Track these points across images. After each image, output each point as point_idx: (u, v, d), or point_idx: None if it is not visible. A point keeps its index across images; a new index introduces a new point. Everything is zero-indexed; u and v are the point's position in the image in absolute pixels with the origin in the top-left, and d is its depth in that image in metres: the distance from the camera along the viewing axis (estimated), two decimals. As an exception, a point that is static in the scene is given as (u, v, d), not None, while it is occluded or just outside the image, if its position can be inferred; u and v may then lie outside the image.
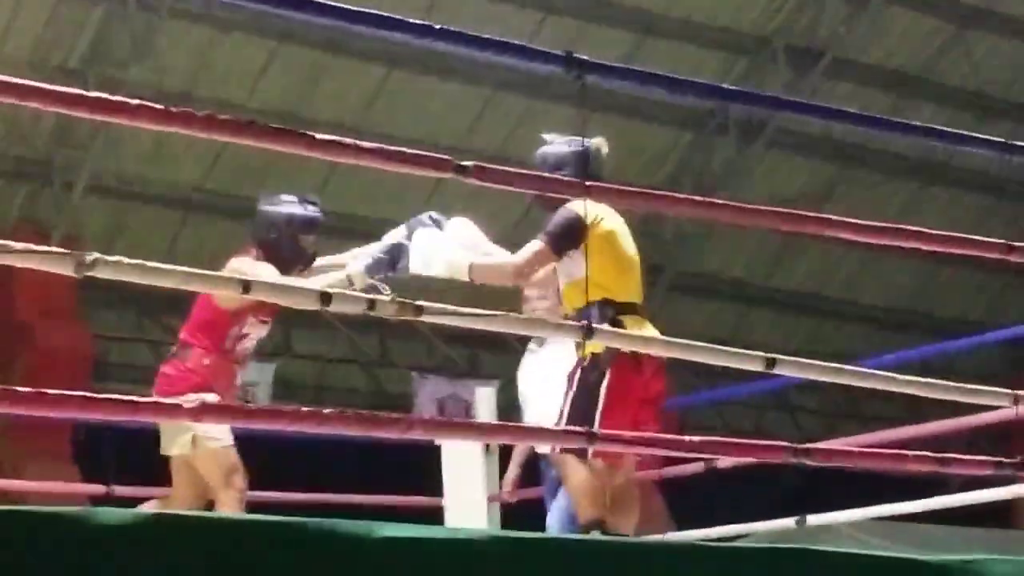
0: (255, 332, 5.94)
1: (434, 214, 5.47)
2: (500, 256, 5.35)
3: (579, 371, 5.12)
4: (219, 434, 5.58)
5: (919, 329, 15.59)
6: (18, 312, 12.31)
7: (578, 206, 5.14)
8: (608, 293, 5.19)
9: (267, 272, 5.65)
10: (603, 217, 5.25)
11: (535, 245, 5.22)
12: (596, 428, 4.91)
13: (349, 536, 2.79)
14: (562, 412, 5.09)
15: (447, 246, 5.27)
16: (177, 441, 5.61)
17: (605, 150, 5.53)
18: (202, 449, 5.60)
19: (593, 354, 5.07)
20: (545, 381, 5.76)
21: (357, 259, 5.49)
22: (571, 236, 5.17)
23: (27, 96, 3.24)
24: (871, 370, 4.31)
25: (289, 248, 5.86)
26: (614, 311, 5.16)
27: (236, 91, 12.50)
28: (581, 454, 5.06)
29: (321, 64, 12.93)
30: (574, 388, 5.12)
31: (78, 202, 12.60)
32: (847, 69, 14.30)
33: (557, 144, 5.52)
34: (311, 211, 6.05)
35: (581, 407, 5.05)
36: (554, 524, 5.81)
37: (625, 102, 13.16)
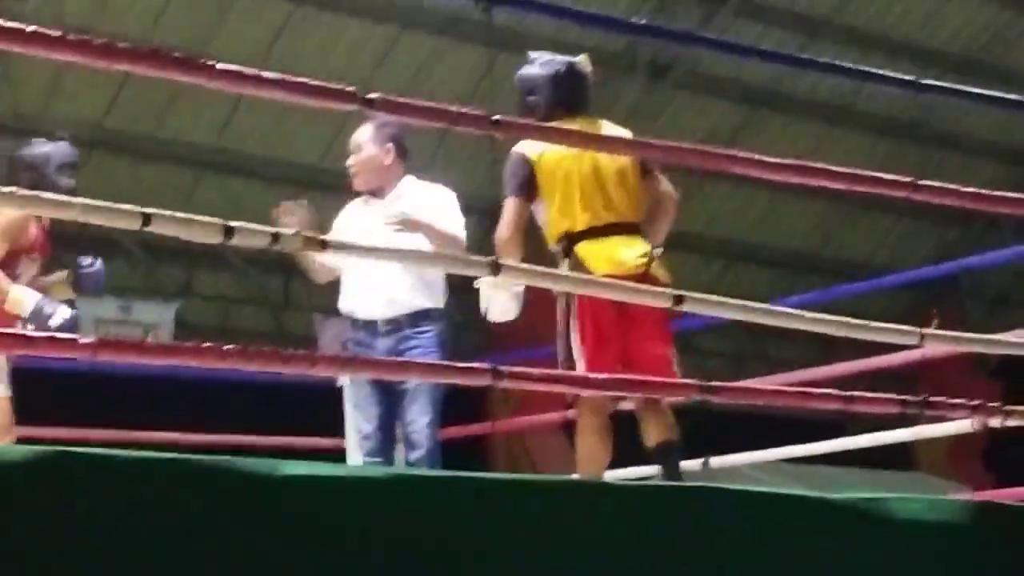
0: (28, 270, 5.79)
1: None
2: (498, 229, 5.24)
3: (561, 309, 5.13)
4: (4, 385, 5.50)
5: (824, 272, 15.72)
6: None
7: (522, 145, 5.15)
8: (567, 225, 5.18)
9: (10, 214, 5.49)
10: (546, 147, 5.19)
11: (506, 200, 5.23)
12: (579, 361, 4.99)
13: (251, 474, 2.76)
14: (558, 350, 5.13)
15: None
16: None
17: (587, 69, 5.45)
18: None
19: (564, 294, 5.12)
20: None
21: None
22: (523, 176, 5.19)
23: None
24: (778, 308, 4.32)
25: (50, 188, 5.60)
26: (571, 242, 5.15)
27: (137, 27, 12.32)
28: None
29: (223, 1, 12.77)
30: (560, 326, 5.14)
31: (-27, 139, 12.40)
32: (756, 10, 14.32)
33: (533, 65, 5.41)
34: (65, 149, 5.95)
35: (563, 345, 5.10)
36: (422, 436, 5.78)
37: (532, 42, 13.10)
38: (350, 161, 6.15)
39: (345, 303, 6.08)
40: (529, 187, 5.20)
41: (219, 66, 3.37)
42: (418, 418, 5.77)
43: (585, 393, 5.01)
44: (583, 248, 5.13)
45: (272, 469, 2.80)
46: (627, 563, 3.13)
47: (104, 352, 3.01)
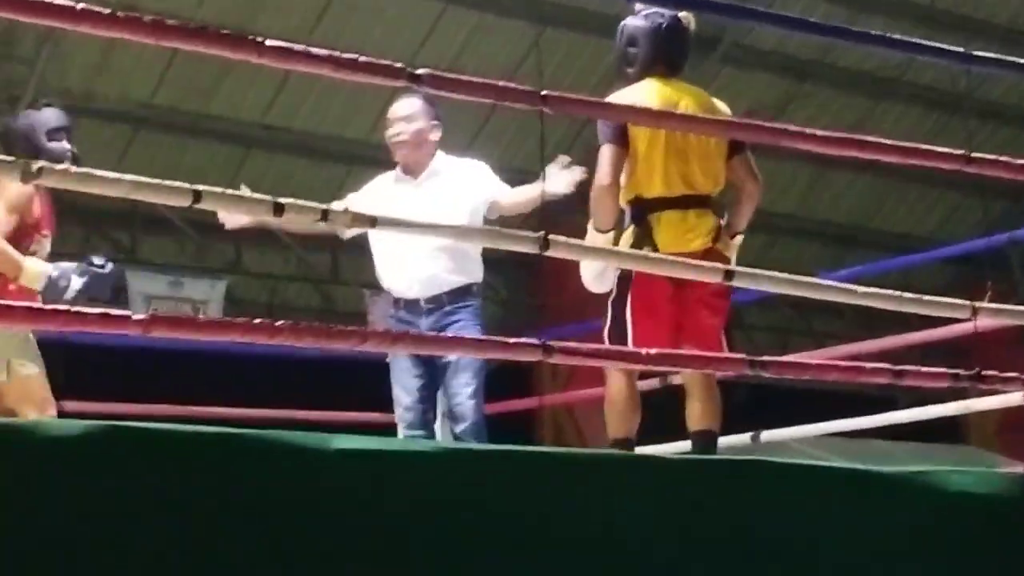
0: (42, 248, 5.77)
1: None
2: (594, 184, 5.11)
3: (615, 280, 5.05)
4: (33, 363, 5.51)
5: (871, 246, 15.64)
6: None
7: (615, 96, 5.04)
8: (642, 189, 5.05)
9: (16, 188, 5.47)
10: (640, 101, 5.02)
11: (602, 150, 5.05)
12: (629, 332, 4.90)
13: (305, 448, 2.77)
14: (604, 322, 5.04)
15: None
16: None
17: (692, 26, 5.29)
18: (15, 377, 5.48)
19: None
20: None
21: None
22: (617, 127, 5.02)
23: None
24: (829, 282, 4.30)
25: (46, 155, 5.53)
26: (643, 209, 5.04)
27: (182, 6, 12.33)
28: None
29: (269, -23, 12.77)
30: (612, 295, 5.05)
31: (23, 117, 12.45)
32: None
33: (638, 16, 5.25)
34: (52, 114, 5.82)
35: (617, 313, 4.99)
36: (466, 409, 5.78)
37: (576, 16, 13.07)
38: (397, 131, 6.04)
39: (386, 281, 6.09)
40: (624, 136, 5.03)
41: (268, 42, 3.37)
42: (461, 390, 5.79)
43: (634, 368, 4.97)
44: (655, 218, 5.02)
45: (323, 443, 2.80)
46: (677, 536, 3.13)
47: (156, 328, 3.02)
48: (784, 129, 4.35)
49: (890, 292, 4.01)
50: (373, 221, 3.53)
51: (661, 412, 5.73)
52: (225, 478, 2.65)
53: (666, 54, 5.17)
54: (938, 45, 4.68)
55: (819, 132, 4.01)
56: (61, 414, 6.28)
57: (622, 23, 5.27)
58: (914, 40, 4.74)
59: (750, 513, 3.23)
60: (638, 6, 5.28)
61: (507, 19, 12.97)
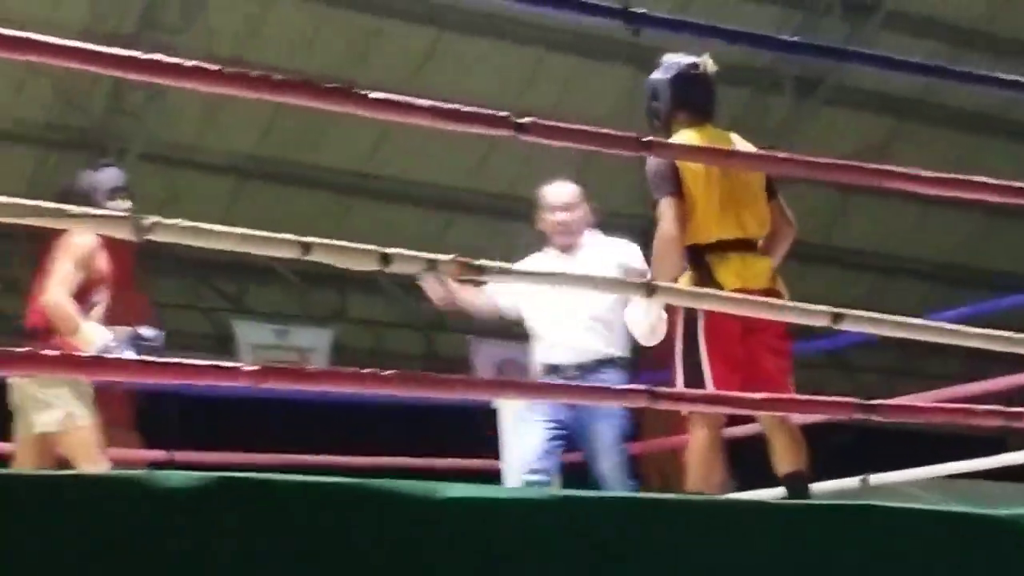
0: (101, 299, 5.89)
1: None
2: (656, 241, 5.18)
3: (681, 325, 5.07)
4: (88, 414, 5.58)
5: (977, 285, 15.46)
6: (75, 281, 12.35)
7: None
8: (696, 237, 5.11)
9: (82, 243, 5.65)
10: None
11: (660, 204, 5.12)
12: (707, 378, 4.93)
13: (413, 497, 2.77)
14: (676, 369, 5.08)
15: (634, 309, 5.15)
16: (45, 419, 5.55)
17: (710, 69, 5.33)
18: (73, 427, 5.55)
19: (686, 309, 5.04)
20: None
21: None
22: (670, 176, 5.09)
23: (83, 59, 3.23)
24: (940, 323, 4.26)
25: None
26: (700, 253, 5.09)
27: (286, 57, 12.47)
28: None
29: (370, 28, 12.88)
30: (680, 343, 5.08)
31: (133, 170, 12.62)
32: (902, 21, 14.15)
33: (659, 69, 5.35)
34: (112, 173, 6.05)
35: (690, 361, 5.02)
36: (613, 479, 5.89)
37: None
38: (561, 219, 6.30)
39: (539, 349, 6.35)
40: (680, 187, 5.10)
41: (372, 95, 3.40)
42: (609, 472, 6.09)
43: (740, 412, 4.96)
44: (713, 259, 5.07)
45: (434, 492, 2.81)
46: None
47: (267, 379, 3.05)
48: (889, 171, 4.32)
49: (999, 333, 3.96)
50: (479, 269, 3.54)
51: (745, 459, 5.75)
52: (338, 528, 2.66)
53: (686, 101, 5.23)
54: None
55: (923, 173, 3.98)
56: (174, 465, 6.37)
57: (648, 78, 5.35)
58: (1015, 78, 4.69)
59: (859, 559, 3.20)
60: (665, 57, 5.39)
61: (608, 63, 13.00)
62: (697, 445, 5.08)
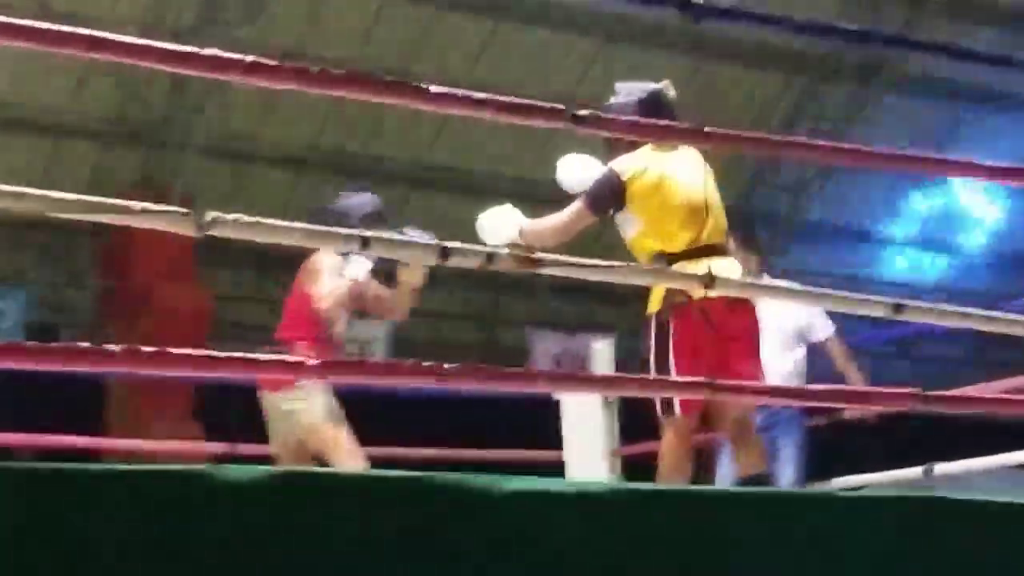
0: (344, 322, 6.05)
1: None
2: (548, 218, 5.36)
3: (650, 331, 5.14)
4: (335, 413, 5.73)
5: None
6: (138, 276, 12.46)
7: (620, 163, 5.20)
8: (661, 245, 5.16)
9: (360, 264, 5.87)
10: (647, 168, 5.18)
11: (575, 204, 5.25)
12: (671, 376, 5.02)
13: (477, 490, 2.78)
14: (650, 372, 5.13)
15: (505, 220, 5.44)
16: (297, 425, 5.74)
17: (670, 93, 5.39)
18: (324, 429, 5.73)
19: (654, 313, 5.12)
20: None
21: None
22: (607, 196, 5.19)
23: (144, 55, 3.25)
24: (999, 314, 4.23)
25: None
26: (667, 262, 5.11)
27: (345, 49, 12.54)
28: (666, 412, 5.10)
29: (427, 19, 12.92)
30: (652, 348, 5.14)
31: (194, 163, 12.72)
32: (964, 8, 14.06)
33: (619, 95, 5.42)
34: (368, 199, 6.20)
35: (660, 365, 5.08)
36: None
37: (737, 50, 13.02)
38: None
39: None
40: (609, 207, 5.21)
41: (432, 88, 3.40)
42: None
43: (791, 403, 4.98)
44: (683, 267, 5.10)
45: (497, 484, 2.82)
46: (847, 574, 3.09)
47: (331, 372, 3.06)
48: (953, 161, 4.29)
49: (1064, 323, 3.93)
50: (536, 262, 3.55)
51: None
52: (399, 522, 2.67)
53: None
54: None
55: (985, 164, 3.95)
56: (237, 457, 6.42)
57: (605, 104, 5.37)
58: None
59: (921, 550, 3.19)
60: (617, 86, 5.45)
61: (668, 53, 12.96)
62: (668, 449, 5.18)
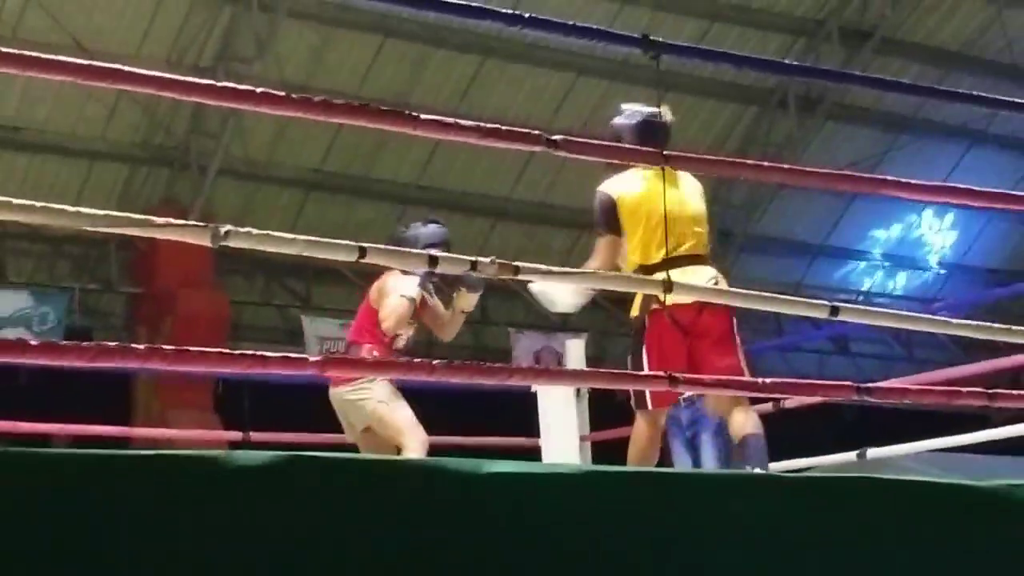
0: (408, 331, 6.13)
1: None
2: (590, 264, 5.25)
3: (631, 336, 5.15)
4: (394, 398, 5.81)
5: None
6: (162, 283, 12.45)
7: (610, 184, 5.19)
8: (642, 259, 5.13)
9: (411, 283, 5.91)
10: (627, 189, 5.17)
11: (599, 240, 5.21)
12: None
13: (458, 473, 2.78)
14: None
15: (558, 289, 5.30)
16: (361, 416, 5.85)
17: (668, 118, 5.36)
18: (385, 414, 5.81)
19: (633, 317, 5.13)
20: None
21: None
22: (609, 213, 5.16)
23: (168, 88, 3.25)
24: (926, 315, 4.24)
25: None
26: (644, 273, 5.07)
27: (348, 83, 12.53)
28: (640, 406, 5.10)
29: (422, 57, 12.92)
30: (631, 347, 5.15)
31: (212, 184, 12.70)
32: (895, 47, 14.11)
33: (622, 116, 5.40)
34: (434, 229, 6.16)
35: (635, 361, 5.08)
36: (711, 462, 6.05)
37: (695, 83, 13.05)
38: None
39: None
40: (616, 223, 5.18)
41: (423, 116, 3.40)
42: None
43: (749, 395, 4.96)
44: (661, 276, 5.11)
45: (477, 468, 2.81)
46: (790, 550, 3.09)
47: (329, 368, 3.05)
48: (883, 179, 4.30)
49: (981, 323, 3.94)
50: (516, 270, 3.54)
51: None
52: (389, 502, 2.67)
53: (645, 143, 5.19)
54: (1019, 100, 4.61)
55: (913, 182, 3.96)
56: (249, 444, 6.40)
57: (611, 122, 5.38)
58: (1001, 97, 4.66)
59: (855, 527, 3.18)
60: (623, 106, 5.44)
61: (632, 86, 12.98)
62: (638, 436, 5.17)
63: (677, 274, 4.97)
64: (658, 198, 5.08)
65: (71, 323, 12.30)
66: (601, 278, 4.39)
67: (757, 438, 5.06)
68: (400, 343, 6.06)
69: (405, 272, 5.86)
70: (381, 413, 5.82)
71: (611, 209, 5.15)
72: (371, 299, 6.05)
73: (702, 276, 5.11)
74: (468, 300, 6.14)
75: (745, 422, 5.06)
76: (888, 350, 15.70)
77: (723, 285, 5.12)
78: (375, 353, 5.84)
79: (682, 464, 6.26)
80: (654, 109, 5.38)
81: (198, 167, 12.62)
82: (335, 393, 5.89)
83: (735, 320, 5.12)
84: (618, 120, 5.40)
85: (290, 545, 2.56)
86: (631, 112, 5.40)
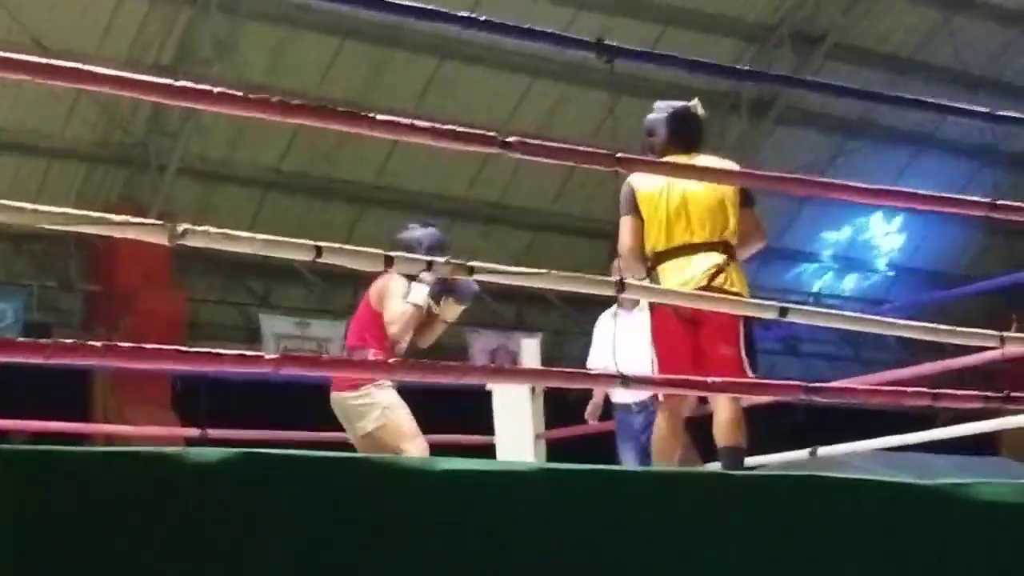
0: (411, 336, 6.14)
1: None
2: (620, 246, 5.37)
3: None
4: (397, 403, 5.85)
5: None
6: (120, 281, 12.38)
7: (631, 178, 5.28)
8: (653, 245, 5.25)
9: (420, 290, 5.95)
10: (643, 181, 5.27)
11: (623, 220, 5.30)
12: (654, 368, 5.08)
13: (413, 470, 2.78)
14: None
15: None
16: (365, 422, 5.85)
17: (699, 111, 5.50)
18: (388, 420, 5.83)
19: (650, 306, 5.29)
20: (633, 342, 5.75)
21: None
22: (630, 202, 5.29)
23: (127, 87, 3.24)
24: (873, 316, 4.27)
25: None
26: (654, 261, 5.23)
27: (306, 84, 12.49)
28: (655, 400, 5.24)
29: (380, 58, 12.90)
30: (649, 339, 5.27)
31: (170, 183, 12.64)
32: (845, 53, 14.19)
33: (655, 111, 5.50)
34: (434, 232, 6.19)
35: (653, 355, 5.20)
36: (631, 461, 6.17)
37: (649, 87, 13.08)
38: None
39: (614, 394, 6.55)
40: (637, 209, 5.30)
41: (379, 117, 3.40)
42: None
43: (699, 394, 4.99)
44: (661, 266, 5.22)
45: (431, 465, 2.81)
46: (744, 547, 3.10)
47: (286, 366, 3.05)
48: (829, 183, 4.33)
49: (927, 324, 3.97)
50: (470, 270, 3.55)
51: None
52: (343, 498, 2.66)
53: (677, 136, 5.37)
54: (966, 107, 4.65)
55: (860, 185, 3.99)
56: (207, 441, 6.37)
57: (645, 118, 5.48)
58: (946, 103, 4.70)
59: (807, 525, 3.20)
60: (657, 104, 5.54)
61: (587, 89, 13.02)
62: (657, 430, 5.24)
63: (674, 264, 5.17)
64: (672, 188, 5.24)
65: (30, 320, 12.21)
66: (555, 278, 4.39)
67: (730, 452, 5.11)
68: (401, 349, 6.03)
69: (411, 278, 5.87)
70: (386, 419, 5.83)
71: (631, 198, 5.29)
72: (372, 302, 6.01)
73: (699, 266, 5.16)
74: (453, 311, 6.19)
75: (724, 429, 5.12)
76: (838, 351, 15.78)
77: (732, 275, 5.19)
78: (378, 356, 5.76)
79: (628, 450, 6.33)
80: (686, 103, 5.51)
81: (157, 166, 12.55)
82: (337, 397, 5.87)
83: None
84: (651, 115, 5.50)
85: (246, 542, 2.55)
86: (663, 106, 5.51)
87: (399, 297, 5.89)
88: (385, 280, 5.94)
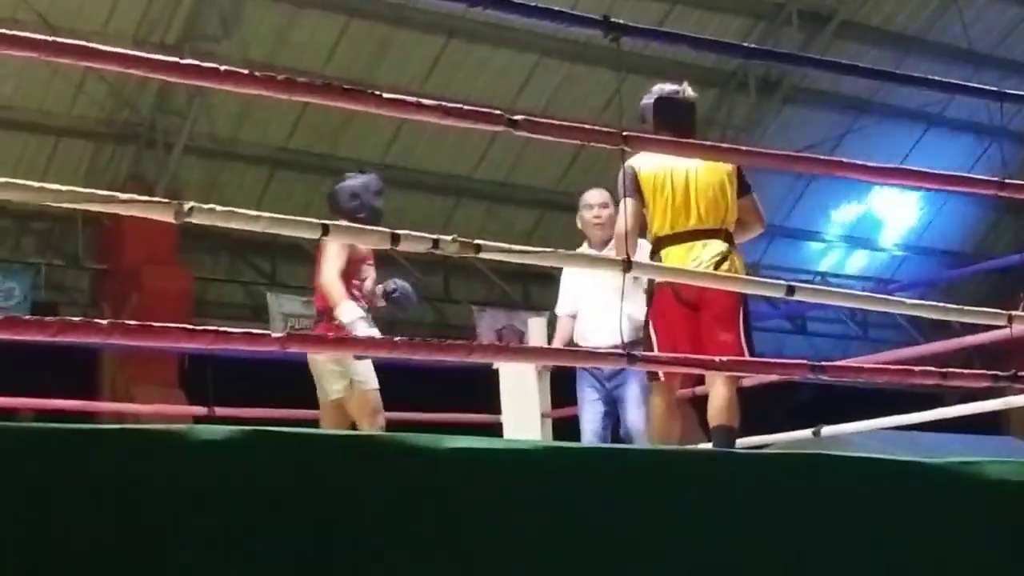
0: (371, 274, 6.11)
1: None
2: (617, 227, 5.38)
3: (644, 306, 5.28)
4: (370, 379, 5.83)
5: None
6: (127, 259, 12.39)
7: (631, 160, 5.23)
8: (657, 229, 5.26)
9: (336, 245, 5.82)
10: (644, 164, 5.25)
11: (623, 202, 5.28)
12: (654, 348, 5.07)
13: (419, 448, 2.78)
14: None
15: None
16: (336, 387, 5.83)
17: (688, 95, 5.47)
18: (357, 392, 5.81)
19: (647, 292, 5.27)
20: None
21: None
22: (631, 184, 5.25)
23: (134, 65, 3.24)
24: (881, 295, 4.26)
25: (368, 210, 6.11)
26: (658, 245, 5.24)
27: (313, 63, 12.47)
28: (652, 378, 5.22)
29: (387, 36, 12.87)
30: (644, 319, 5.27)
31: (177, 161, 12.64)
32: (853, 31, 14.14)
33: (648, 95, 5.48)
34: (374, 178, 6.30)
35: (646, 332, 5.22)
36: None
37: (655, 66, 13.04)
38: (597, 214, 6.34)
39: (578, 335, 6.39)
40: (639, 192, 5.30)
41: (385, 95, 3.40)
42: (636, 422, 6.10)
43: (703, 372, 5.00)
44: (665, 251, 5.23)
45: (437, 443, 2.81)
46: (749, 525, 3.11)
47: (292, 345, 3.05)
48: (839, 161, 4.32)
49: (935, 304, 3.96)
50: (477, 248, 3.54)
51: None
52: (350, 476, 2.67)
53: (668, 121, 5.32)
54: (974, 85, 4.63)
55: (869, 164, 3.98)
56: (213, 419, 6.38)
57: (640, 104, 5.47)
58: (955, 81, 4.69)
59: (813, 503, 3.20)
60: (653, 88, 5.50)
61: (594, 68, 12.98)
62: (654, 409, 5.26)
63: (680, 249, 5.18)
64: (674, 171, 5.23)
65: (37, 298, 12.23)
66: (561, 257, 4.39)
67: (723, 432, 5.12)
68: (368, 287, 6.02)
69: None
70: (355, 391, 5.82)
71: (633, 180, 5.26)
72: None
73: (706, 252, 5.17)
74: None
75: (718, 410, 5.12)
76: (845, 330, 15.77)
77: (735, 262, 5.20)
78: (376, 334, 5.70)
79: (588, 417, 6.25)
80: (675, 87, 5.48)
81: (164, 144, 12.55)
82: (314, 359, 5.82)
83: (745, 297, 5.15)
84: (643, 100, 5.49)
85: (255, 519, 2.56)
86: (654, 90, 5.50)
87: (332, 258, 5.83)
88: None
